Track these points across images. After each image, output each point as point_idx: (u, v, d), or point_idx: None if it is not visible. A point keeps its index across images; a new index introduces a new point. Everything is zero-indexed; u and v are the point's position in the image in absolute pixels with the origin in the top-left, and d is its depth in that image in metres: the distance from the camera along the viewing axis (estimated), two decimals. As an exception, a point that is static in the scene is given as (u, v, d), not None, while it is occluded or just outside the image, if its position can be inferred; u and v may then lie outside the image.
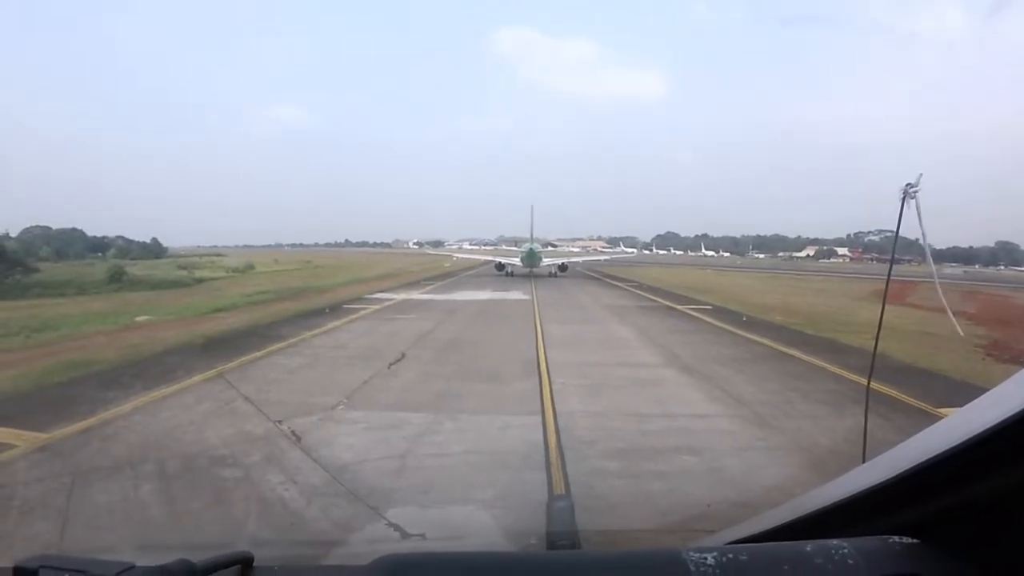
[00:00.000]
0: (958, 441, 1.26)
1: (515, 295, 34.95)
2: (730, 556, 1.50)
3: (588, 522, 5.35)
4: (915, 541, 1.52)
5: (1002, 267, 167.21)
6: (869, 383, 4.12)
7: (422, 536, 5.96)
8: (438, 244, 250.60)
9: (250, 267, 66.99)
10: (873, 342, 3.42)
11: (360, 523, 6.19)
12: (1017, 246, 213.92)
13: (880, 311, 3.12)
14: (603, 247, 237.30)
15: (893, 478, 1.43)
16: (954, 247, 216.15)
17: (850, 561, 1.46)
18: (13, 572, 1.41)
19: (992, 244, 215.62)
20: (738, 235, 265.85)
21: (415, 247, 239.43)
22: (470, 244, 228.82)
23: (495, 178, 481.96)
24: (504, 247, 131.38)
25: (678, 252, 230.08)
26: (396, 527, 5.99)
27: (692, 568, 1.45)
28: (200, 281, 46.51)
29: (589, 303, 31.35)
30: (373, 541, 5.51)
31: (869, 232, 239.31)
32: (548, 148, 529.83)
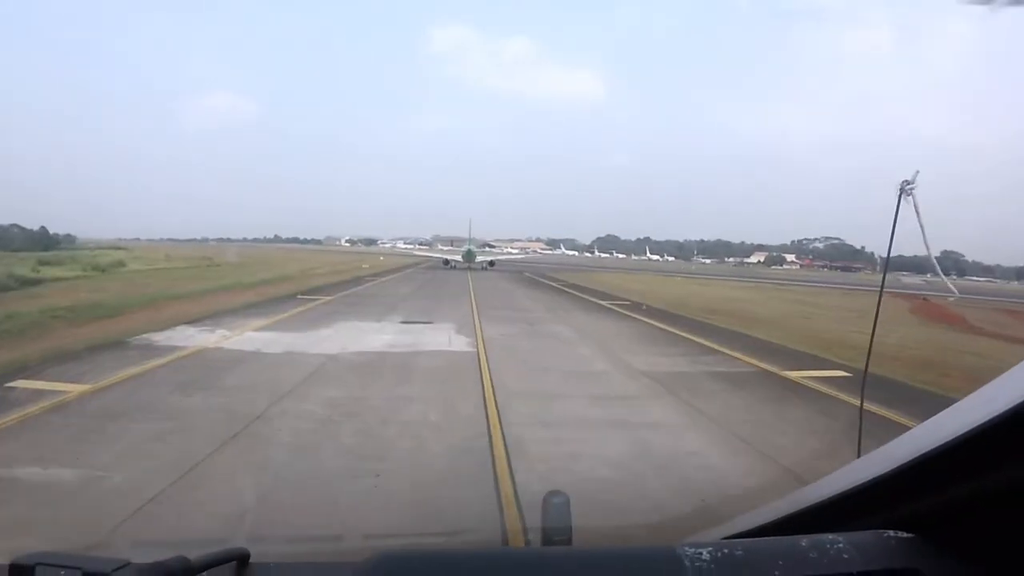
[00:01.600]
0: (953, 436, 1.26)
1: (443, 337, 17.73)
2: (725, 552, 1.47)
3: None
4: (910, 535, 1.51)
5: (953, 276, 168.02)
6: (864, 380, 4.26)
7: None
8: (371, 242, 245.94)
9: (119, 264, 55.61)
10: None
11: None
12: (962, 255, 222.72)
13: (875, 312, 3.22)
14: (542, 248, 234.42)
15: (888, 473, 1.42)
16: (899, 255, 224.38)
17: (845, 556, 1.45)
18: (9, 569, 1.37)
19: (938, 253, 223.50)
20: (681, 239, 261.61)
21: (347, 245, 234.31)
22: (404, 243, 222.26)
23: (431, 177, 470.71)
24: (440, 246, 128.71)
25: (620, 255, 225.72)
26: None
27: (687, 564, 1.44)
28: (34, 283, 34.76)
29: (592, 356, 16.04)
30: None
31: (815, 239, 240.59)
32: (486, 148, 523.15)
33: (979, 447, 1.23)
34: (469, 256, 72.41)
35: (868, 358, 3.47)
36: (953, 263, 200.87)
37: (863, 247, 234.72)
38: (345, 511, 6.33)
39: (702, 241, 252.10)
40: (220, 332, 16.81)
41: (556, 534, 2.05)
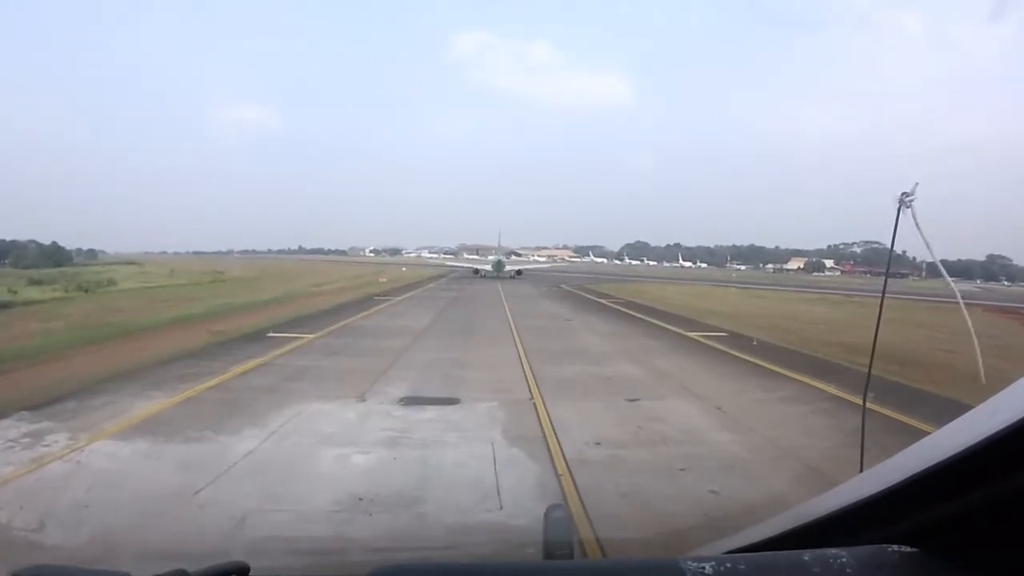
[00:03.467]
0: (956, 450, 1.26)
1: (479, 450, 8.63)
2: (728, 566, 1.46)
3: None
4: (913, 550, 1.49)
5: (1005, 282, 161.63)
6: (865, 396, 4.24)
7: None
8: (396, 252, 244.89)
9: (109, 283, 51.70)
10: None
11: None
12: (1010, 260, 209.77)
13: (876, 323, 3.20)
14: (570, 256, 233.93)
15: (891, 487, 1.43)
16: (943, 259, 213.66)
17: (848, 570, 1.43)
18: None
19: (983, 258, 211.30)
20: (712, 245, 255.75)
21: (372, 255, 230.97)
22: (430, 252, 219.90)
23: (456, 184, 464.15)
24: (466, 255, 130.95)
25: (652, 263, 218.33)
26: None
27: None
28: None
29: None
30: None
31: (853, 243, 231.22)
32: (511, 154, 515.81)
33: (982, 461, 1.22)
34: (499, 266, 74.37)
35: (870, 366, 3.74)
36: (1001, 268, 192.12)
37: (904, 251, 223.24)
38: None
39: (735, 246, 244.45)
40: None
41: (557, 548, 2.01)
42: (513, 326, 24.22)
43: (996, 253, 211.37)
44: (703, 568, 1.43)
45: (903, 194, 2.65)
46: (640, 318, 28.57)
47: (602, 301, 38.55)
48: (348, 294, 37.90)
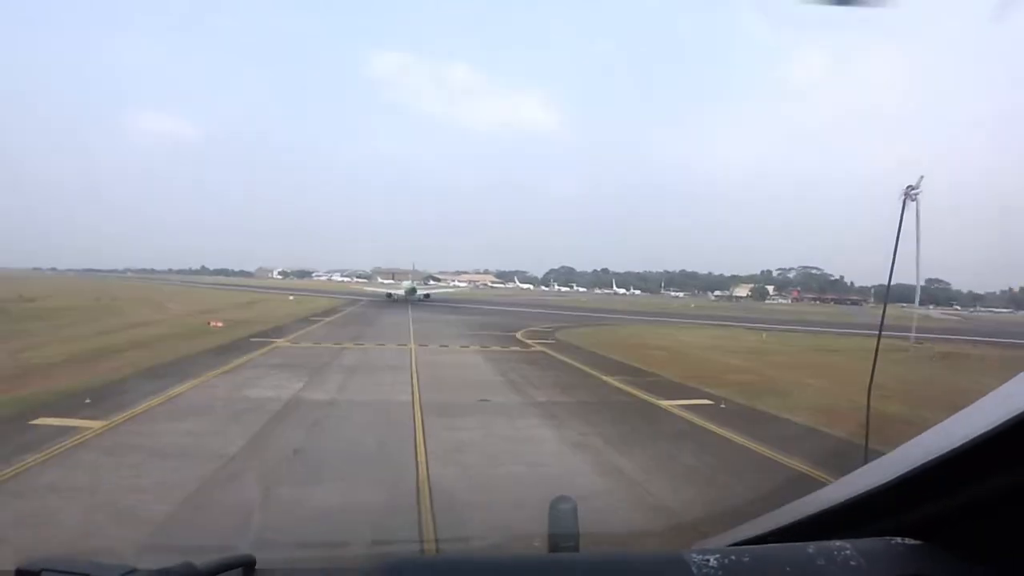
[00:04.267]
0: (960, 442, 1.27)
1: None
2: (732, 558, 1.47)
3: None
4: (918, 542, 1.51)
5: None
6: (870, 390, 4.39)
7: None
8: (305, 274, 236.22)
9: None
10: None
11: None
12: (948, 284, 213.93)
13: (877, 339, 3.20)
14: (493, 281, 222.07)
15: (895, 479, 1.44)
16: (882, 284, 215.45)
17: (853, 563, 1.44)
18: (15, 575, 1.41)
19: (923, 282, 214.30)
20: (640, 270, 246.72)
21: (279, 277, 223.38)
22: (342, 275, 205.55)
23: (373, 206, 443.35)
24: (380, 279, 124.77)
25: (581, 289, 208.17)
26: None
27: (695, 570, 1.43)
28: None
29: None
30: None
31: (789, 269, 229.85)
32: (430, 176, 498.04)
33: (985, 453, 1.23)
34: (411, 292, 75.60)
35: (874, 366, 3.84)
36: (939, 291, 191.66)
37: (841, 276, 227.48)
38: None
39: (667, 272, 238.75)
40: None
41: (563, 540, 1.99)
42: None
43: (934, 277, 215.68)
44: (708, 560, 1.43)
45: (908, 187, 2.74)
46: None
47: (593, 374, 20.32)
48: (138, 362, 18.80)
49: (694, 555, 1.48)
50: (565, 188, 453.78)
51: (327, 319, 41.28)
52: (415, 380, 17.73)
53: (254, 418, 12.28)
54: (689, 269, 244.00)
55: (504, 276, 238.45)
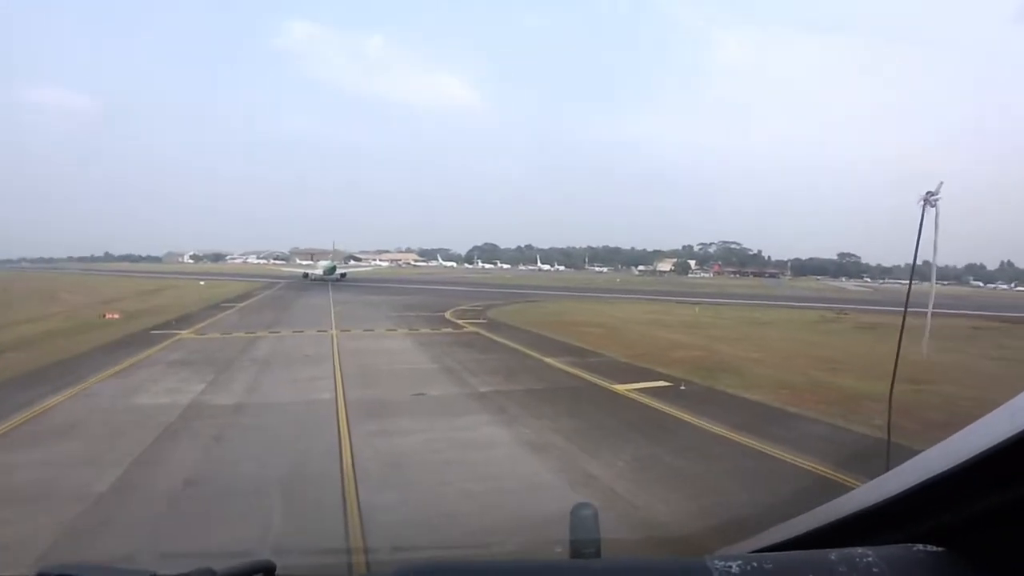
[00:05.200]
0: (984, 448, 1.24)
1: None
2: (754, 564, 1.44)
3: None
4: (940, 549, 1.47)
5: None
6: (891, 395, 4.29)
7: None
8: (219, 257, 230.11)
9: None
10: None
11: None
12: (859, 258, 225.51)
13: (901, 323, 3.45)
14: (415, 260, 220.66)
15: (918, 486, 1.41)
16: (795, 258, 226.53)
17: (875, 569, 1.40)
18: None
19: (835, 256, 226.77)
20: (564, 246, 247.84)
21: (191, 261, 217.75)
22: (258, 257, 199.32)
23: (289, 185, 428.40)
24: (299, 260, 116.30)
25: (505, 266, 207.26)
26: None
27: None
28: None
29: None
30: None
31: (710, 244, 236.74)
32: (351, 154, 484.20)
33: (1010, 459, 1.21)
34: (330, 271, 75.26)
35: (895, 372, 3.75)
36: (852, 265, 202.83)
37: (759, 251, 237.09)
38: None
39: (591, 248, 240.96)
40: None
41: (584, 546, 1.95)
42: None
43: (846, 251, 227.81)
44: (730, 567, 1.42)
45: (928, 193, 2.83)
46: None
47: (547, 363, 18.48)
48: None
49: (716, 562, 1.45)
50: (489, 165, 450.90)
51: (240, 305, 38.35)
52: (338, 373, 15.59)
53: (139, 436, 9.81)
54: (612, 244, 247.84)
55: (427, 254, 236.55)
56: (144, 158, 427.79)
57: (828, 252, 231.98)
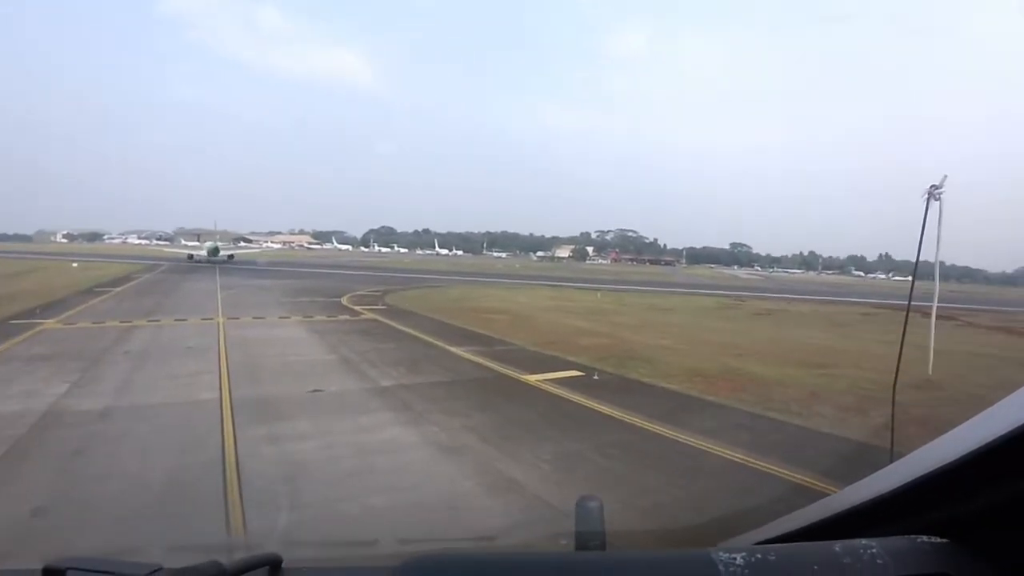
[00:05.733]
0: (988, 440, 1.25)
1: None
2: (759, 556, 1.45)
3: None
4: (944, 541, 1.48)
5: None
6: (895, 386, 4.32)
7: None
8: (96, 237, 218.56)
9: None
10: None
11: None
12: (750, 248, 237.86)
13: (905, 317, 3.36)
14: (310, 242, 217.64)
15: (921, 477, 1.41)
16: (690, 247, 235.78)
17: (879, 561, 1.42)
18: (42, 573, 1.43)
19: (727, 246, 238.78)
20: (462, 230, 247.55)
21: (64, 240, 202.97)
22: (139, 238, 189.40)
23: (175, 162, 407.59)
24: (184, 241, 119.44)
25: (402, 250, 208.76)
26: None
27: (721, 568, 1.41)
28: None
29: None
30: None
31: (608, 231, 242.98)
32: (242, 131, 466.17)
33: (1013, 452, 1.21)
34: (214, 252, 72.07)
35: (898, 364, 3.66)
36: (743, 254, 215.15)
37: (655, 239, 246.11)
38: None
39: (489, 233, 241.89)
40: None
41: (589, 539, 1.93)
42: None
43: (738, 241, 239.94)
44: (734, 559, 1.42)
45: (932, 186, 2.83)
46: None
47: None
48: None
49: (721, 553, 1.45)
50: (386, 146, 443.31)
51: (116, 290, 34.77)
52: (224, 367, 14.01)
53: (-18, 450, 8.20)
54: (511, 230, 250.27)
55: (322, 237, 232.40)
56: (11, 126, 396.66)
57: (721, 241, 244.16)
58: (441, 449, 8.94)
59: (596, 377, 14.55)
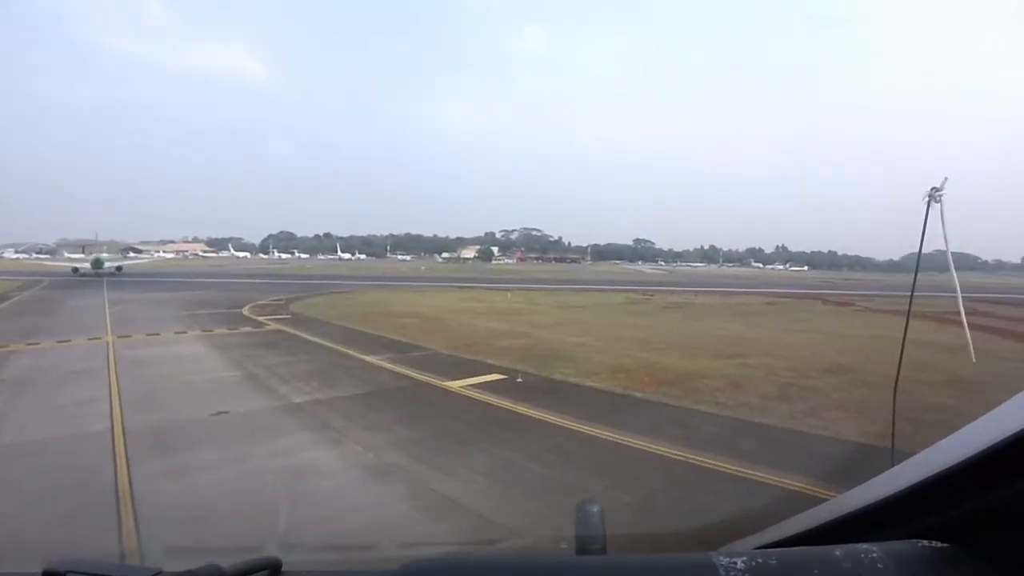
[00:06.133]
0: (986, 445, 1.24)
1: None
2: (759, 561, 1.45)
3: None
4: (944, 545, 1.46)
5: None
6: (896, 390, 4.07)
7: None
8: None
9: None
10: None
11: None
12: (653, 243, 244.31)
13: (907, 312, 3.39)
14: (204, 251, 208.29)
15: (921, 482, 1.40)
16: (594, 244, 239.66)
17: (879, 565, 1.41)
18: None
19: (631, 242, 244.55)
20: (364, 234, 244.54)
21: None
22: (16, 251, 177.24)
23: (56, 167, 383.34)
24: (67, 253, 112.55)
25: (303, 255, 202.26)
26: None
27: (722, 573, 1.41)
28: None
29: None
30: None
31: (512, 230, 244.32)
32: (130, 132, 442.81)
33: (1014, 456, 1.21)
34: (98, 264, 68.12)
35: (899, 366, 3.53)
36: (646, 250, 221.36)
37: (560, 237, 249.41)
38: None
39: (392, 235, 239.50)
40: None
41: (590, 543, 1.95)
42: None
43: (641, 238, 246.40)
44: (735, 563, 1.42)
45: (932, 189, 2.59)
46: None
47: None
48: None
49: (721, 558, 1.45)
50: (283, 147, 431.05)
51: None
52: (115, 392, 12.57)
53: None
54: (415, 232, 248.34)
55: (217, 244, 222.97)
56: None
57: (624, 238, 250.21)
58: (368, 471, 8.21)
59: (520, 380, 14.11)
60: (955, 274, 3.80)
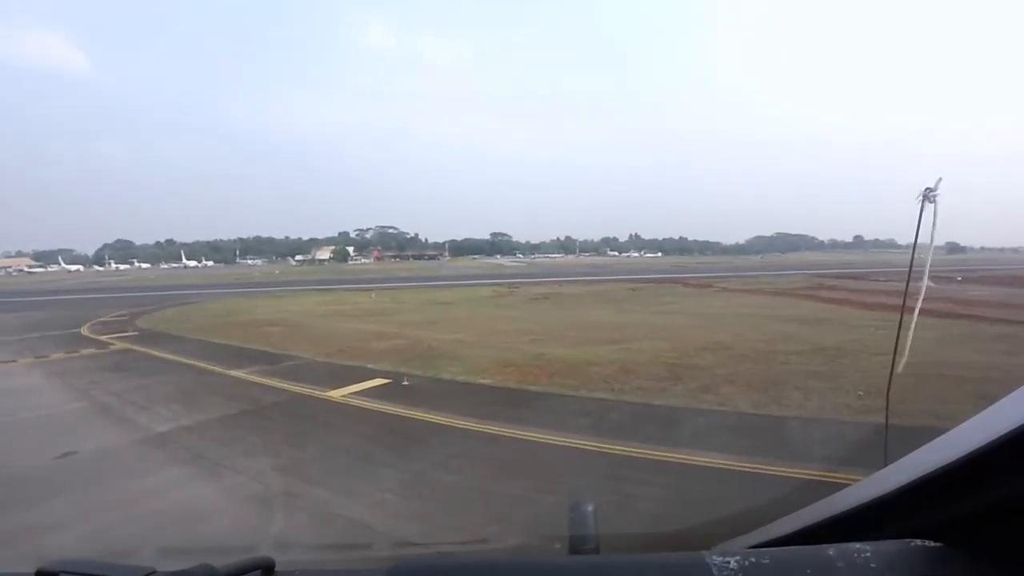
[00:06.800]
0: (980, 444, 1.24)
1: None
2: (752, 560, 1.45)
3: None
4: (937, 544, 1.46)
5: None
6: (889, 389, 4.14)
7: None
8: None
9: None
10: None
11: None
12: (510, 236, 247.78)
13: (900, 313, 3.41)
14: (31, 265, 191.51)
15: (915, 481, 1.40)
16: (452, 240, 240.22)
17: (872, 565, 1.41)
18: None
19: (488, 236, 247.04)
20: (211, 239, 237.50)
21: None
22: None
23: None
24: None
25: (144, 265, 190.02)
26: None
27: (715, 572, 1.42)
28: None
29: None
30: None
31: (368, 229, 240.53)
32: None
33: (1006, 455, 1.21)
34: None
35: (893, 365, 3.47)
36: (504, 243, 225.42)
37: (416, 234, 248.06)
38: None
39: (241, 239, 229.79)
40: None
41: (582, 543, 1.98)
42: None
43: (498, 231, 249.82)
44: (728, 563, 1.42)
45: (927, 189, 2.60)
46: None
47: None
48: None
49: (714, 557, 1.46)
50: (114, 148, 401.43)
51: None
52: (-72, 439, 10.53)
53: None
54: (265, 235, 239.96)
55: (45, 257, 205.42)
56: None
57: (481, 232, 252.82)
58: (259, 504, 7.14)
59: (406, 383, 13.36)
60: (928, 271, 3.59)
